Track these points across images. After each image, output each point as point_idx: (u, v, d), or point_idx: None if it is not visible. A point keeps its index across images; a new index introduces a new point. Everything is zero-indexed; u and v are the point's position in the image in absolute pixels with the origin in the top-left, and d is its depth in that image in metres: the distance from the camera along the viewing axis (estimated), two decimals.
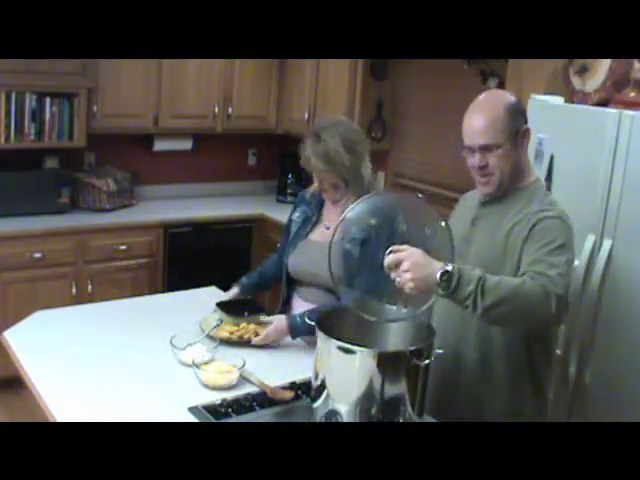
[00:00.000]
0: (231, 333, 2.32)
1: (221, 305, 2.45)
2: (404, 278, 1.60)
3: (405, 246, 1.64)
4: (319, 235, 2.45)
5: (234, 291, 2.61)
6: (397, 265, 1.62)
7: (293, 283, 2.51)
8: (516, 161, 1.85)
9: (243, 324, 2.37)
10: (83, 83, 3.95)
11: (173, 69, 4.29)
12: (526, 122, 1.87)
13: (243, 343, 2.29)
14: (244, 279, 2.64)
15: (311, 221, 2.49)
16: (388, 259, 1.64)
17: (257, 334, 2.31)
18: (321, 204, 2.50)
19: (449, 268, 1.59)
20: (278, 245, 2.71)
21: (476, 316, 1.74)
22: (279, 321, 2.30)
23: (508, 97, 1.88)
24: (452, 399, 1.97)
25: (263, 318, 2.39)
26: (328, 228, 2.44)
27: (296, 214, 2.55)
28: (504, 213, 1.88)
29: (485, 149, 1.81)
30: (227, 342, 2.26)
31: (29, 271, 3.76)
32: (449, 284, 1.59)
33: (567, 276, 1.71)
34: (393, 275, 1.64)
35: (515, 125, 1.81)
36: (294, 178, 4.88)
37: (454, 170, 3.92)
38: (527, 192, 1.88)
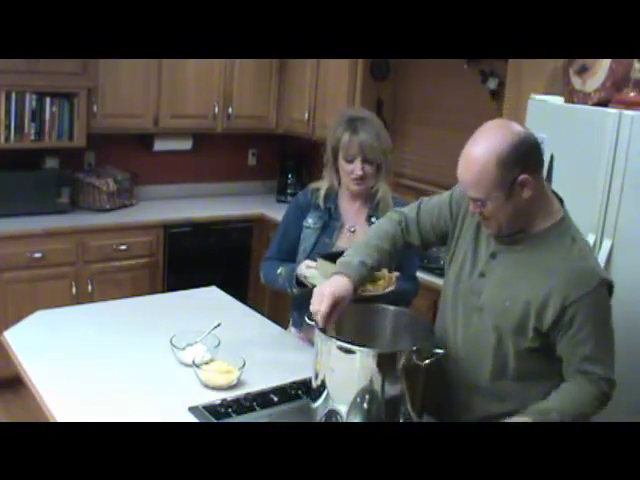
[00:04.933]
0: (374, 284, 2.08)
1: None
2: None
3: None
4: (347, 240, 2.36)
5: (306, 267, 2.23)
6: None
7: None
8: (515, 209, 1.70)
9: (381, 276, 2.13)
10: (83, 83, 3.95)
11: (173, 69, 4.29)
12: (528, 168, 1.66)
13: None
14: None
15: (335, 227, 2.39)
16: None
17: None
18: (336, 206, 2.42)
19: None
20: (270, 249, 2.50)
21: (492, 346, 1.82)
22: None
23: (505, 139, 1.65)
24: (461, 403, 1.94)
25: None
26: (354, 231, 2.38)
27: (310, 220, 2.40)
28: (526, 261, 1.77)
29: (476, 201, 1.72)
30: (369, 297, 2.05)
31: (29, 271, 3.76)
32: None
33: (614, 351, 1.81)
34: None
35: (508, 176, 1.64)
36: (294, 178, 4.88)
37: (454, 170, 3.91)
38: (549, 237, 1.75)
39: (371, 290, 2.09)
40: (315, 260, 2.20)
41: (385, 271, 2.17)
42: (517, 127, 1.70)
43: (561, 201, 1.83)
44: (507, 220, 1.73)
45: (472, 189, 1.70)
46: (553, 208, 1.79)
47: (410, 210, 2.01)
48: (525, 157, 1.67)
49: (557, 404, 1.72)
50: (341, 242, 2.36)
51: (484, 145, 1.66)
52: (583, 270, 1.73)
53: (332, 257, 2.17)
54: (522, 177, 1.65)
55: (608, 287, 1.77)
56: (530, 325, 1.75)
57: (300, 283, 2.26)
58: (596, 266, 1.78)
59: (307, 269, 2.19)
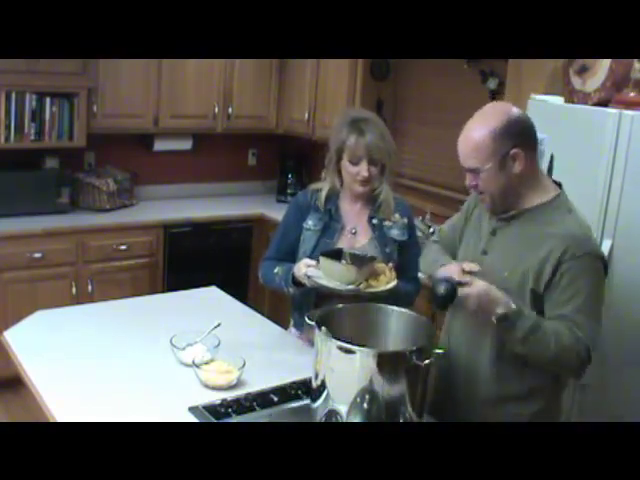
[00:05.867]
0: (376, 280, 2.13)
1: (352, 255, 2.21)
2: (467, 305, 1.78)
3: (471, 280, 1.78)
4: (347, 241, 2.35)
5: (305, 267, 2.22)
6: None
7: (323, 299, 2.28)
8: (507, 183, 1.82)
9: (381, 268, 2.17)
10: (83, 83, 3.95)
11: (173, 69, 4.29)
12: (520, 144, 1.79)
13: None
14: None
15: (336, 228, 2.36)
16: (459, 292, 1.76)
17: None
18: (337, 207, 2.40)
19: (508, 312, 1.74)
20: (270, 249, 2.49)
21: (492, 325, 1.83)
22: None
23: (502, 116, 1.80)
24: (467, 399, 1.98)
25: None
26: (355, 232, 2.37)
27: (310, 222, 2.38)
28: (524, 235, 1.86)
29: (472, 171, 1.84)
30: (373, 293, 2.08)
31: (29, 271, 3.76)
32: (504, 324, 1.76)
33: (599, 326, 1.80)
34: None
35: (502, 149, 1.78)
36: (294, 178, 4.88)
37: (454, 170, 3.91)
38: (547, 211, 1.85)
39: (374, 286, 2.10)
40: (316, 260, 2.20)
41: (384, 265, 2.18)
42: (513, 109, 1.85)
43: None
44: (499, 193, 1.84)
45: (469, 159, 1.83)
46: (546, 187, 1.89)
47: (435, 242, 2.18)
48: (518, 134, 1.80)
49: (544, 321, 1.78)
50: (342, 244, 2.35)
51: (482, 122, 1.82)
52: (579, 235, 1.81)
53: (333, 255, 2.18)
54: (514, 151, 1.79)
55: (602, 263, 1.82)
56: (527, 288, 1.82)
57: (296, 282, 2.26)
58: (591, 238, 1.85)
59: (308, 268, 2.19)
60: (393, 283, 2.13)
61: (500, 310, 1.73)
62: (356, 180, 2.30)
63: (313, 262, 2.19)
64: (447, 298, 1.74)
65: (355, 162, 2.28)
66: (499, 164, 1.79)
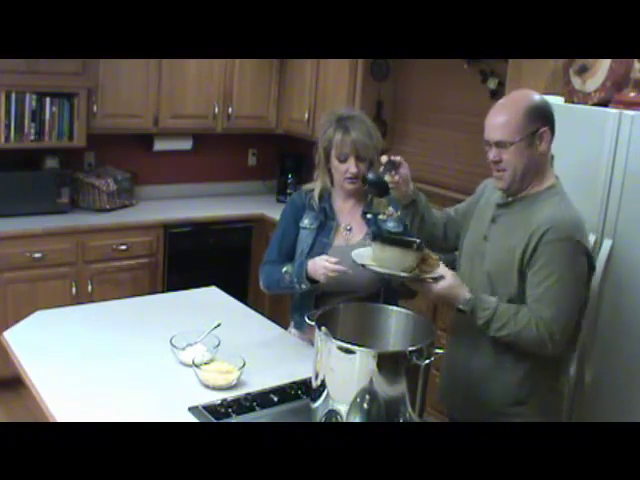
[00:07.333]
0: (426, 264, 1.98)
1: (389, 239, 2.06)
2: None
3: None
4: (343, 239, 2.36)
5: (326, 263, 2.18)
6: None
7: (323, 297, 2.33)
8: (530, 161, 1.89)
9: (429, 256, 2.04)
10: (83, 83, 3.95)
11: (173, 69, 4.29)
12: (547, 124, 1.89)
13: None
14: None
15: (331, 226, 2.38)
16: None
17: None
18: (331, 205, 2.41)
19: (465, 307, 1.89)
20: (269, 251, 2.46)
21: None
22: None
23: (533, 97, 1.91)
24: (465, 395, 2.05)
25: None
26: (350, 229, 2.38)
27: (306, 221, 2.40)
28: (519, 219, 1.93)
29: (499, 145, 1.89)
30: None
31: (29, 271, 3.76)
32: (465, 312, 1.89)
33: (568, 309, 1.85)
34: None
35: (532, 126, 1.86)
36: (294, 178, 4.88)
37: (454, 170, 3.92)
38: (541, 198, 1.93)
39: (428, 271, 1.95)
40: (369, 245, 2.11)
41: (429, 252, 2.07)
42: (538, 95, 1.95)
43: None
44: (521, 170, 1.90)
45: (498, 132, 1.88)
46: (551, 174, 1.98)
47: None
48: (546, 115, 1.90)
49: (501, 304, 1.88)
50: (338, 241, 2.36)
51: (514, 99, 1.94)
52: (565, 220, 1.87)
53: (385, 240, 2.04)
54: (543, 129, 1.88)
55: (584, 254, 1.87)
56: (515, 269, 1.89)
57: (310, 279, 2.24)
58: (578, 226, 1.89)
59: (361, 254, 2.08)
60: (442, 264, 1.99)
61: (460, 306, 1.88)
62: (345, 177, 2.33)
63: (333, 259, 2.18)
64: (378, 182, 2.04)
65: (343, 159, 2.31)
66: (527, 140, 1.86)
